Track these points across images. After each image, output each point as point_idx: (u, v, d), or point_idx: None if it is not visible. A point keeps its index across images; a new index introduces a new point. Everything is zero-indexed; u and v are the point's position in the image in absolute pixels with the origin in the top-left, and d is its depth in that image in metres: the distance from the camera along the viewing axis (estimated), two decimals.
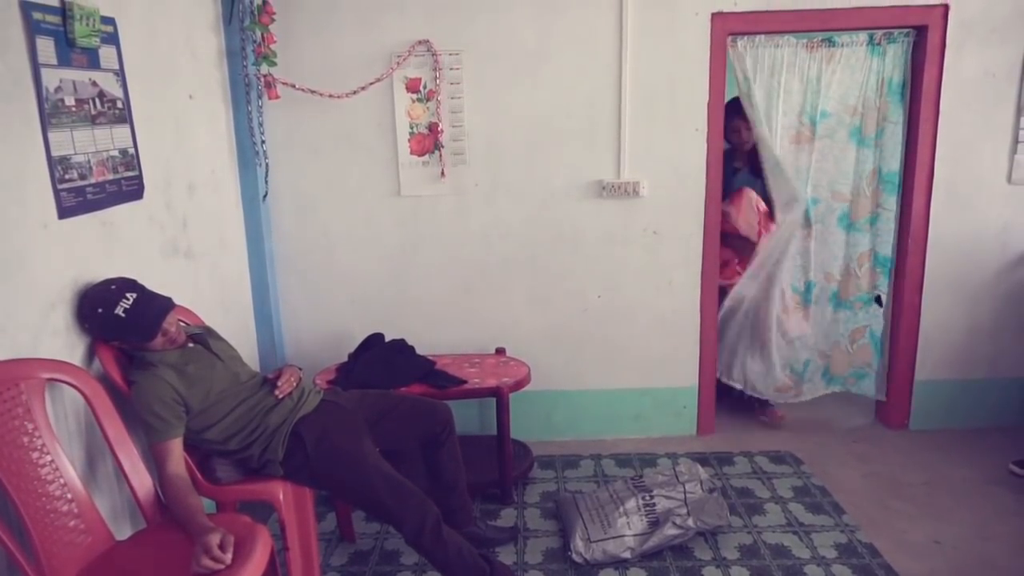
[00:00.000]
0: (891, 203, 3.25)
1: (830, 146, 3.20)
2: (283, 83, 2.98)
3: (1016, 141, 3.12)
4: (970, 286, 3.29)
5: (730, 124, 3.24)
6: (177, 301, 2.08)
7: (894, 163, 3.21)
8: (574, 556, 2.45)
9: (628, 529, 2.48)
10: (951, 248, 3.24)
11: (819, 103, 3.13)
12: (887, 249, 3.31)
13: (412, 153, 3.14)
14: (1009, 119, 3.11)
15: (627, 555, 2.45)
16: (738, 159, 3.44)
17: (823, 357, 3.46)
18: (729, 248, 3.41)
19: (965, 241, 3.24)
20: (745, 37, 3.07)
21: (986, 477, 2.97)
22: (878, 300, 3.40)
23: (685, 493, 2.59)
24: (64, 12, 1.89)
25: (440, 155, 3.12)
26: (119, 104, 2.15)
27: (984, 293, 3.30)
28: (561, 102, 3.09)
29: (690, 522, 2.50)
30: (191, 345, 2.12)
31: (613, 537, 2.46)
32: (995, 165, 3.16)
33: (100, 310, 1.91)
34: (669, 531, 2.48)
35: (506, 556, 2.53)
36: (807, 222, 3.27)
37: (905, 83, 3.13)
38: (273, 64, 2.93)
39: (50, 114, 1.84)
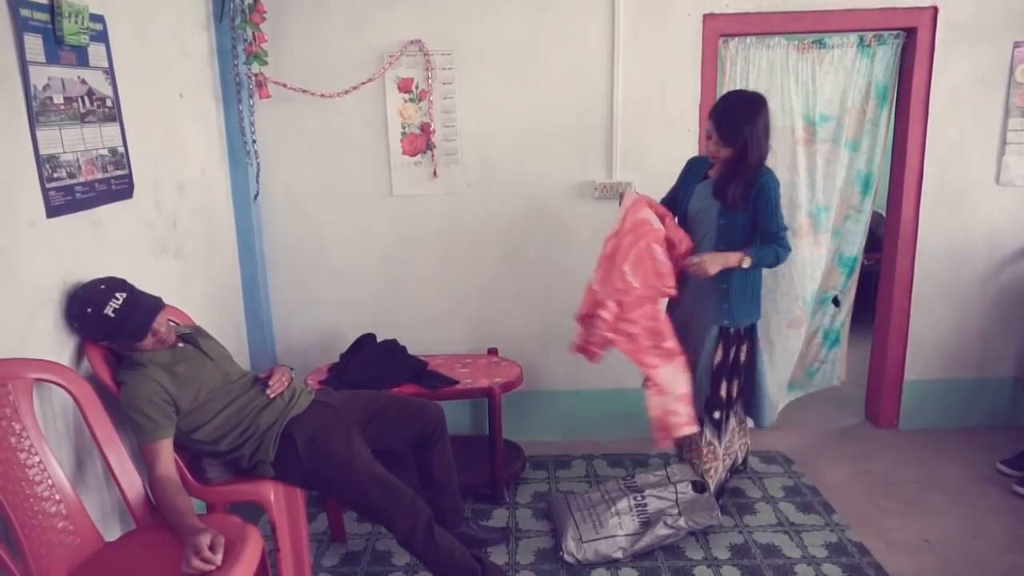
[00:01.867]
0: (863, 205, 3.28)
1: (834, 150, 3.19)
2: (274, 82, 2.97)
3: (1004, 143, 3.15)
4: (959, 287, 3.31)
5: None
6: (167, 301, 2.07)
7: (872, 165, 3.23)
8: (566, 556, 2.45)
9: (620, 529, 2.49)
10: (940, 249, 3.26)
11: (816, 105, 3.14)
12: (851, 249, 3.34)
13: (404, 153, 3.13)
14: (997, 121, 3.14)
15: (619, 555, 2.45)
16: (714, 168, 2.59)
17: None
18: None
19: (954, 242, 3.26)
20: (736, 38, 3.08)
21: (975, 476, 2.99)
22: (835, 301, 3.42)
23: (676, 493, 2.60)
24: (52, 9, 1.87)
25: (432, 155, 3.12)
26: (108, 102, 2.13)
27: (973, 294, 3.32)
28: (553, 102, 3.10)
29: (681, 522, 2.51)
30: (181, 345, 2.11)
31: (605, 537, 2.47)
32: (984, 167, 3.18)
33: (89, 310, 1.90)
34: (660, 531, 2.48)
35: (498, 556, 2.53)
36: (815, 230, 3.23)
37: (888, 86, 3.15)
38: (264, 63, 2.92)
39: (38, 112, 1.82)
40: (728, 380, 2.60)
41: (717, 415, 2.63)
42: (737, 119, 2.39)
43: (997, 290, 3.32)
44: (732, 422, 2.68)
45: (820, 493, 2.89)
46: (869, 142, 3.20)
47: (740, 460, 2.87)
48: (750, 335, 2.61)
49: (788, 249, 2.49)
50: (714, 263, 2.41)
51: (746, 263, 2.43)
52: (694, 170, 2.67)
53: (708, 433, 2.65)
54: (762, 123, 2.41)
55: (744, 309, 2.55)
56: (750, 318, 2.59)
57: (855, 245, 3.34)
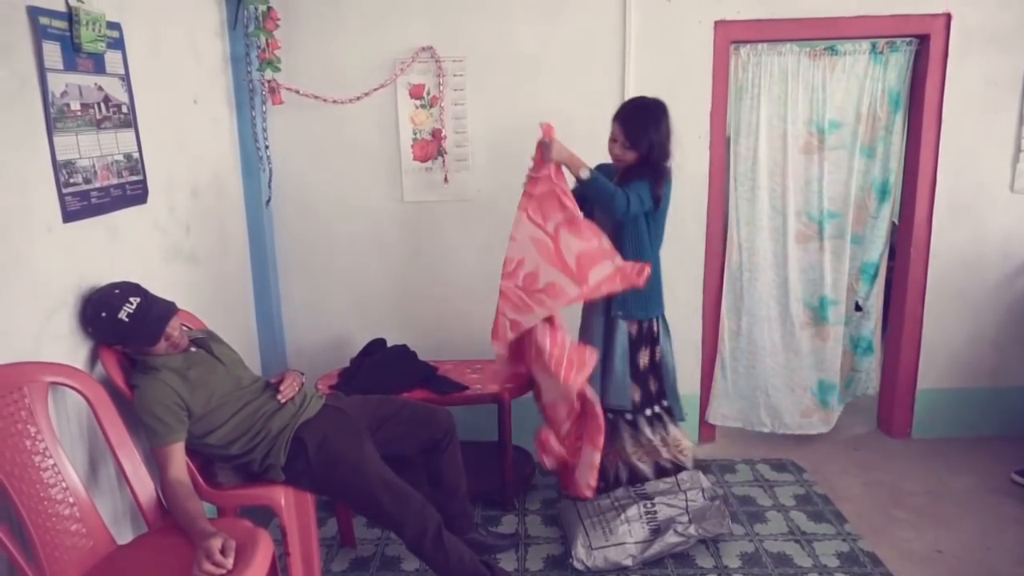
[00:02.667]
0: (880, 211, 3.26)
1: (845, 157, 3.18)
2: (287, 88, 3.00)
3: (1019, 150, 3.13)
4: (972, 295, 3.29)
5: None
6: (180, 305, 2.09)
7: (887, 172, 3.21)
8: (575, 563, 2.44)
9: (629, 536, 2.47)
10: (953, 257, 3.24)
11: (825, 112, 3.13)
12: (871, 256, 3.31)
13: (415, 159, 3.15)
14: (1011, 127, 3.12)
15: (628, 562, 2.44)
16: (618, 175, 2.60)
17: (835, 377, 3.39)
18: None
19: (967, 250, 3.24)
20: (748, 45, 3.08)
21: (988, 486, 2.96)
22: (857, 307, 3.40)
23: (687, 501, 2.59)
24: (70, 17, 1.90)
25: (443, 161, 3.13)
26: (124, 109, 2.16)
27: (986, 302, 3.30)
28: (564, 109, 3.09)
29: (692, 530, 2.50)
30: (194, 349, 2.12)
31: (614, 544, 2.46)
32: (997, 174, 3.16)
33: (103, 314, 1.92)
34: (671, 539, 2.47)
35: (507, 562, 2.52)
36: (820, 235, 3.24)
37: (902, 93, 3.14)
38: (277, 70, 2.95)
39: (55, 118, 1.85)
40: (653, 379, 2.66)
41: (629, 416, 2.68)
42: (644, 123, 2.46)
43: (1011, 298, 3.30)
44: (643, 423, 2.68)
45: (832, 502, 2.87)
46: (883, 149, 3.19)
47: (678, 461, 2.78)
48: (652, 332, 2.64)
49: (628, 204, 2.38)
50: (560, 150, 2.37)
51: (584, 173, 2.37)
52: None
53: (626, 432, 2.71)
54: (665, 128, 2.47)
55: (635, 301, 2.54)
56: (645, 312, 2.60)
57: (875, 252, 3.31)
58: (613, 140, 2.54)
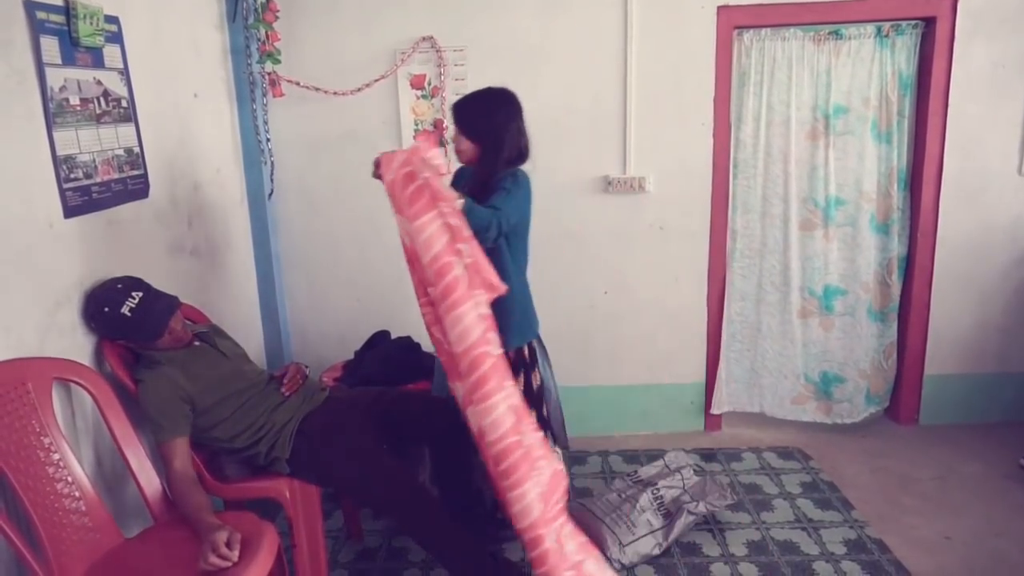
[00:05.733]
0: (903, 201, 3.23)
1: (851, 143, 3.14)
2: (287, 81, 2.99)
3: None
4: (980, 279, 3.26)
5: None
6: (183, 299, 2.09)
7: (900, 158, 3.18)
8: (614, 564, 2.40)
9: (650, 526, 2.49)
10: (961, 242, 3.21)
11: (831, 97, 3.10)
12: (902, 249, 3.26)
13: None
14: (1018, 111, 3.08)
15: (656, 551, 2.45)
16: (468, 181, 2.29)
17: (863, 376, 3.34)
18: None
19: (975, 234, 3.21)
20: (751, 30, 3.05)
21: (997, 472, 2.95)
22: None
23: (683, 480, 2.62)
24: (68, 11, 1.89)
25: (445, 152, 3.12)
26: (124, 103, 2.15)
27: (994, 286, 3.27)
28: (566, 97, 3.08)
29: (701, 508, 2.53)
30: (197, 343, 2.13)
31: (641, 536, 2.46)
32: (1005, 158, 3.13)
33: (106, 309, 1.92)
34: (686, 519, 2.50)
35: (513, 553, 2.52)
36: (824, 222, 3.21)
37: (910, 76, 3.10)
38: (277, 62, 2.94)
39: (55, 113, 1.84)
40: (534, 407, 2.30)
41: None
42: (474, 109, 2.21)
43: (1019, 282, 3.27)
44: None
45: (839, 489, 2.87)
46: (899, 136, 3.14)
47: None
48: (524, 358, 2.33)
49: (500, 226, 2.12)
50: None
51: (459, 203, 2.05)
52: (459, 181, 2.40)
53: None
54: (503, 115, 2.19)
55: (502, 330, 2.02)
56: (517, 341, 2.30)
57: (904, 245, 3.25)
58: (454, 136, 2.25)
